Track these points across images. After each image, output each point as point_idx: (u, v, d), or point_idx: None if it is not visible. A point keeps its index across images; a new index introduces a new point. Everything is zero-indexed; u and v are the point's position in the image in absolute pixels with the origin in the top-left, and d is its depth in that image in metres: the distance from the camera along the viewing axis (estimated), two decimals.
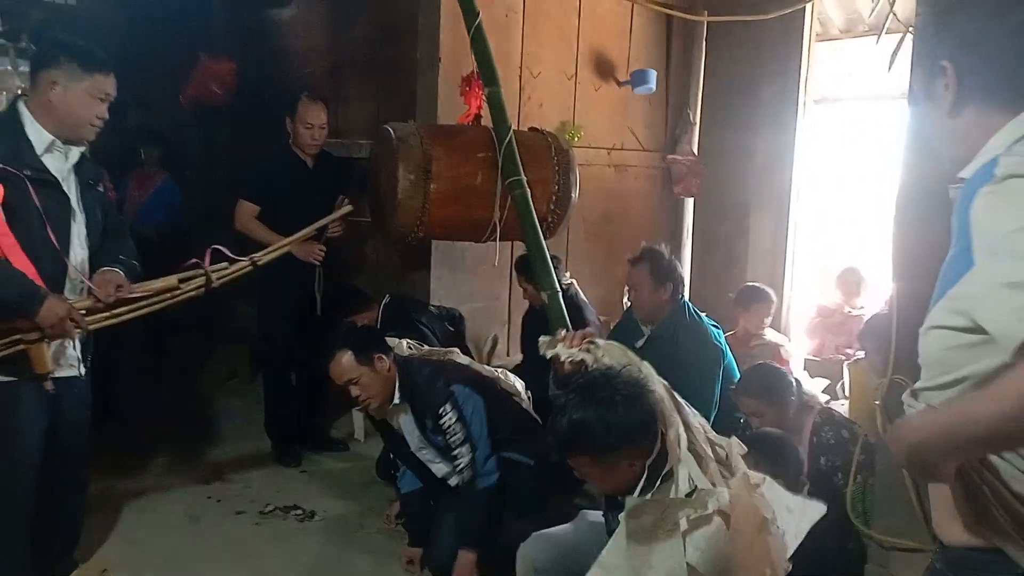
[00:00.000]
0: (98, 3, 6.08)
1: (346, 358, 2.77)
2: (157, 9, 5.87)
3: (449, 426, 2.75)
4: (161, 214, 5.26)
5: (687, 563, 1.72)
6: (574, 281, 3.98)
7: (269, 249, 3.33)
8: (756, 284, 4.36)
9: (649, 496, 1.86)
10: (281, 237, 3.54)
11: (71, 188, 2.54)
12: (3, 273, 2.33)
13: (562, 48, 4.46)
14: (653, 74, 4.55)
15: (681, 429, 1.86)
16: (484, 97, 3.47)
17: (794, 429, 2.78)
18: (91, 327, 2.55)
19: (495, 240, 3.45)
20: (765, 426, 2.78)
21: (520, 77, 4.25)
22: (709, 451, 1.90)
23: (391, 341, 3.03)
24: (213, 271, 2.95)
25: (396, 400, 2.84)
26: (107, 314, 2.60)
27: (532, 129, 3.78)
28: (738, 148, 4.89)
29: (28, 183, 2.37)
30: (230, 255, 2.99)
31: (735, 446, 1.97)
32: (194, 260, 2.90)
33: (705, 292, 4.85)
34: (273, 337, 3.99)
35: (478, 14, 3.41)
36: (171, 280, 2.82)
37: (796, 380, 2.98)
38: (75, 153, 2.54)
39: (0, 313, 2.36)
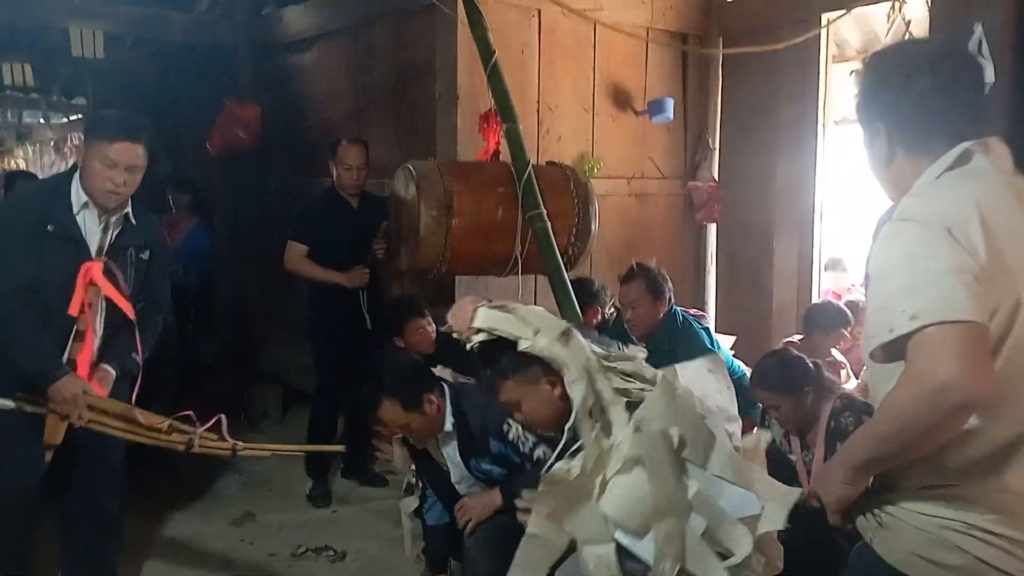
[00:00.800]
0: (127, 57, 6.27)
1: (393, 409, 2.63)
2: (184, 60, 6.04)
3: (517, 437, 2.62)
4: (192, 259, 5.36)
5: (605, 515, 1.88)
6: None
7: (253, 447, 2.92)
8: (834, 303, 3.97)
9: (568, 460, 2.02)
10: (328, 272, 3.86)
11: (101, 250, 2.58)
12: (30, 342, 2.44)
13: (579, 81, 4.50)
14: (670, 102, 4.57)
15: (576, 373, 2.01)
16: (502, 133, 3.51)
17: (812, 417, 2.70)
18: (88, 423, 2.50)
19: (517, 273, 3.46)
20: (784, 418, 2.72)
21: (538, 111, 4.29)
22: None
23: (438, 371, 2.93)
24: (202, 437, 2.67)
25: (447, 428, 2.71)
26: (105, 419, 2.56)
27: (550, 163, 3.81)
28: (759, 172, 4.87)
29: (50, 239, 2.47)
30: (224, 433, 2.70)
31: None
32: (188, 413, 2.70)
33: (732, 317, 4.82)
34: (328, 368, 4.07)
35: (494, 52, 3.47)
36: (162, 423, 2.64)
37: (815, 364, 2.81)
38: (116, 218, 2.60)
39: (21, 379, 2.45)
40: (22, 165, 10.12)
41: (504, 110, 3.46)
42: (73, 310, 2.49)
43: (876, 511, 1.41)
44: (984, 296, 1.24)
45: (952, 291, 1.22)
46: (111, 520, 2.86)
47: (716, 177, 4.87)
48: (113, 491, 2.82)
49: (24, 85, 6.87)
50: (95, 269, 2.53)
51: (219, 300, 6.02)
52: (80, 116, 9.03)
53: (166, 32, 5.58)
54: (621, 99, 4.67)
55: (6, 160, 10.80)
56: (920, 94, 1.39)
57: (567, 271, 3.34)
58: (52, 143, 10.64)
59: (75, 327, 2.54)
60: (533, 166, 3.42)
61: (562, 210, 3.46)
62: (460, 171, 3.49)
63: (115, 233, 2.61)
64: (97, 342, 2.62)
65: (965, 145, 1.39)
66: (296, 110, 5.37)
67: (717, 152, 4.90)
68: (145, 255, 2.69)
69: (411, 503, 3.10)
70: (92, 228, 2.57)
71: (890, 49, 1.56)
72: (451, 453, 2.78)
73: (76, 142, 10.18)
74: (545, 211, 3.33)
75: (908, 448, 1.28)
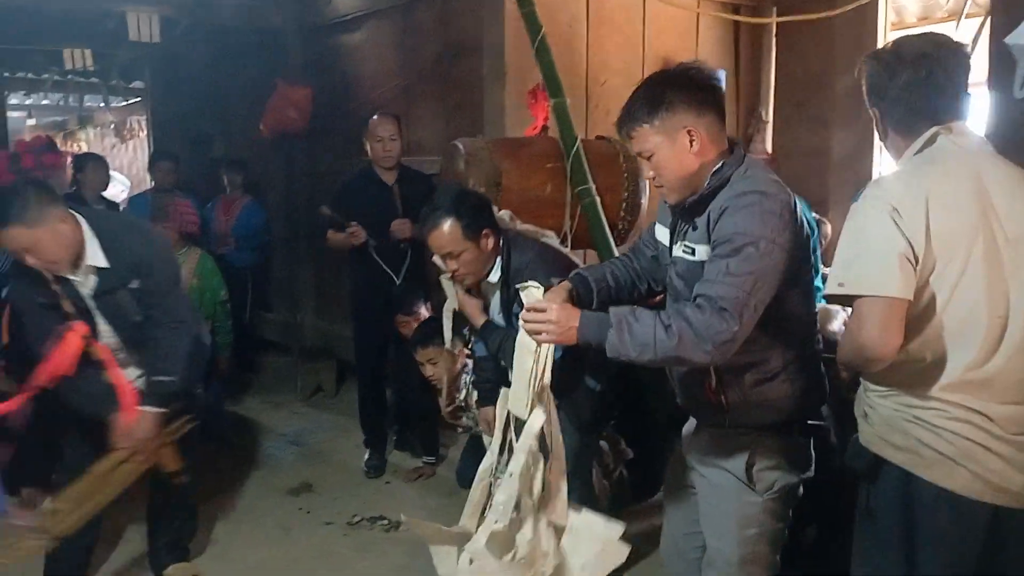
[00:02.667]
0: (181, 41, 6.37)
1: (451, 229, 2.46)
2: (236, 42, 6.13)
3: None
4: (247, 236, 5.49)
5: None
6: None
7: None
8: None
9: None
10: (333, 234, 3.96)
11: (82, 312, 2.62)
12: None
13: (628, 55, 4.45)
14: (722, 75, 4.48)
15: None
16: (550, 108, 3.50)
17: None
18: None
19: (567, 248, 3.46)
20: None
21: (586, 86, 4.27)
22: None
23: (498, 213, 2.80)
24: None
25: (493, 279, 2.60)
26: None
27: (600, 138, 3.79)
28: (814, 145, 4.78)
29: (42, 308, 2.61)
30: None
31: None
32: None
33: None
34: (364, 344, 4.16)
35: (541, 27, 3.45)
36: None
37: None
38: (80, 275, 2.59)
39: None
40: (85, 148, 10.41)
41: (552, 85, 3.45)
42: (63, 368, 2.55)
43: (862, 407, 1.79)
44: (911, 275, 1.57)
45: (881, 269, 1.56)
46: (186, 489, 2.98)
47: (769, 150, 4.79)
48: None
49: (85, 69, 7.04)
50: (75, 330, 2.58)
51: (273, 277, 6.15)
52: (139, 99, 9.25)
53: (218, 16, 5.66)
54: None
55: (70, 143, 11.13)
56: (903, 85, 1.69)
57: (617, 246, 3.33)
58: (112, 126, 10.93)
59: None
60: (582, 141, 3.41)
61: (612, 185, 3.44)
62: (508, 147, 3.49)
63: (91, 283, 2.61)
64: (135, 379, 2.71)
65: (934, 129, 1.68)
66: (345, 90, 5.42)
67: (770, 125, 4.81)
68: (135, 284, 2.64)
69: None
70: (66, 293, 2.59)
71: (885, 46, 1.81)
72: (493, 305, 2.67)
73: (135, 125, 10.46)
74: (594, 186, 3.32)
75: (850, 368, 1.84)
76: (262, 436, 4.65)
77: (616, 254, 3.21)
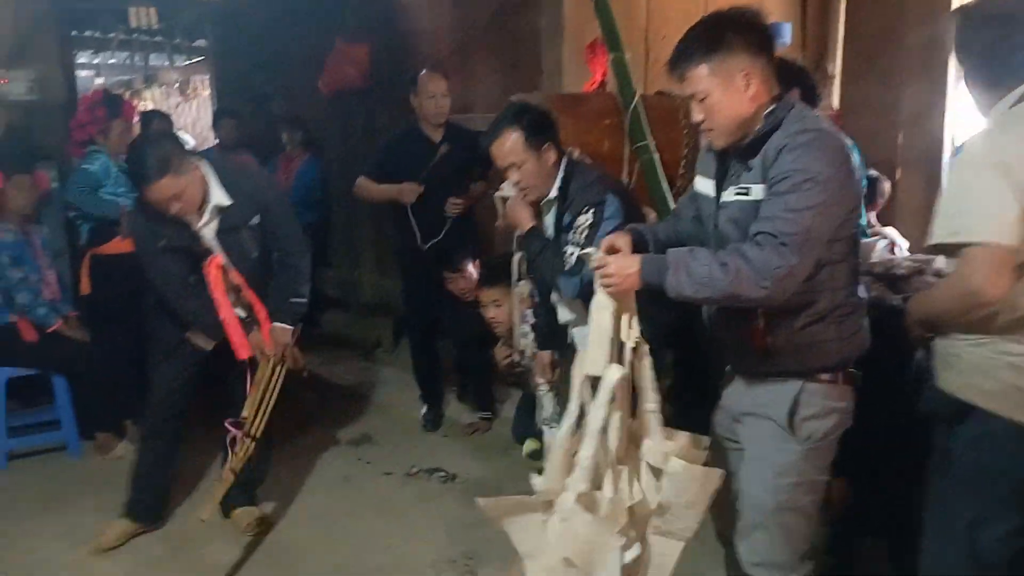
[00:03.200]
0: (243, 0, 6.44)
1: (515, 138, 2.50)
2: (296, 1, 6.17)
3: (580, 226, 2.50)
4: (306, 192, 5.57)
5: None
6: None
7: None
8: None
9: None
10: (383, 188, 3.90)
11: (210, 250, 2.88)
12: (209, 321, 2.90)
13: (689, 7, 4.31)
14: (787, 27, 4.35)
15: None
16: (609, 64, 3.45)
17: None
18: None
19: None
20: None
21: (646, 40, 4.18)
22: None
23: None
24: None
25: (552, 195, 2.60)
26: None
27: (659, 93, 3.72)
28: (883, 101, 4.61)
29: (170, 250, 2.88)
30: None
31: None
32: None
33: None
34: (413, 300, 4.17)
35: None
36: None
37: None
38: (207, 214, 2.84)
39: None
40: (150, 106, 10.65)
41: (611, 40, 3.40)
42: (219, 297, 2.84)
43: (942, 354, 1.84)
44: (1019, 223, 1.62)
45: (992, 218, 1.63)
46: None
47: (836, 106, 4.65)
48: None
49: (150, 28, 7.18)
50: (213, 264, 2.84)
51: (332, 234, 6.25)
52: (202, 58, 9.39)
53: None
54: None
55: (136, 101, 11.39)
56: (988, 42, 1.77)
57: (675, 203, 3.29)
58: (177, 84, 11.13)
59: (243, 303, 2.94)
60: (641, 96, 3.36)
61: (672, 141, 3.40)
62: (565, 104, 3.45)
63: (214, 223, 2.85)
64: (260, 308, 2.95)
65: None
66: (402, 47, 5.42)
67: (837, 79, 4.66)
68: (255, 221, 2.90)
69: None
70: (190, 229, 2.83)
71: (972, 4, 1.87)
72: (548, 221, 2.67)
73: (198, 84, 10.64)
74: (654, 142, 3.28)
75: (946, 317, 1.81)
76: (323, 389, 4.79)
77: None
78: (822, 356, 1.89)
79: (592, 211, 2.47)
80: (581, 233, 2.47)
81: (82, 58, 9.32)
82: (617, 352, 1.89)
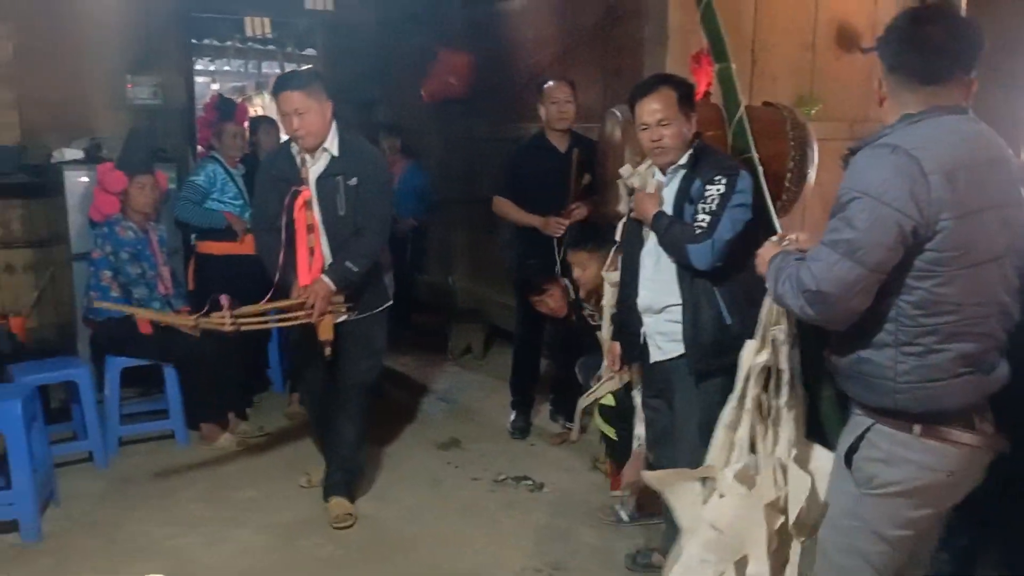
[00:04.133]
0: (352, 9, 6.64)
1: (668, 94, 2.61)
2: (402, 10, 6.33)
3: (711, 195, 2.51)
4: (406, 198, 5.68)
5: None
6: None
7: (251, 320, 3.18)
8: None
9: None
10: (527, 215, 3.95)
11: (305, 181, 3.14)
12: (273, 260, 3.16)
13: (799, 17, 4.23)
14: None
15: None
16: (714, 74, 3.38)
17: None
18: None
19: None
20: None
21: (752, 50, 4.09)
22: None
23: None
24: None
25: (683, 161, 2.65)
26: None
27: (766, 103, 3.62)
28: (1005, 115, 4.36)
29: (275, 180, 3.19)
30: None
31: None
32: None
33: None
34: (527, 315, 4.11)
35: None
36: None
37: None
38: (317, 154, 3.15)
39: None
40: (261, 112, 11.08)
41: (717, 50, 3.31)
42: (297, 226, 3.10)
43: None
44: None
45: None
46: (365, 399, 3.40)
47: None
48: (373, 369, 3.41)
49: (264, 37, 7.50)
50: (302, 195, 3.11)
51: (428, 240, 6.36)
52: (311, 66, 9.73)
53: None
54: (846, 35, 4.34)
55: (248, 107, 11.89)
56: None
57: (779, 217, 3.19)
58: None
59: (308, 245, 3.12)
60: (747, 107, 3.27)
61: (777, 153, 3.28)
62: None
63: (320, 166, 3.14)
64: (325, 256, 3.16)
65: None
66: (503, 56, 5.47)
67: None
68: (352, 182, 3.13)
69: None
70: (300, 166, 3.14)
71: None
72: (668, 193, 2.68)
73: None
74: (757, 155, 3.18)
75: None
76: (414, 392, 4.87)
77: (778, 227, 3.08)
78: (878, 394, 1.71)
79: (725, 180, 2.51)
80: (712, 201, 2.49)
81: (199, 65, 9.80)
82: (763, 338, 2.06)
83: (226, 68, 10.71)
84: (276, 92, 3.10)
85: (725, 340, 2.46)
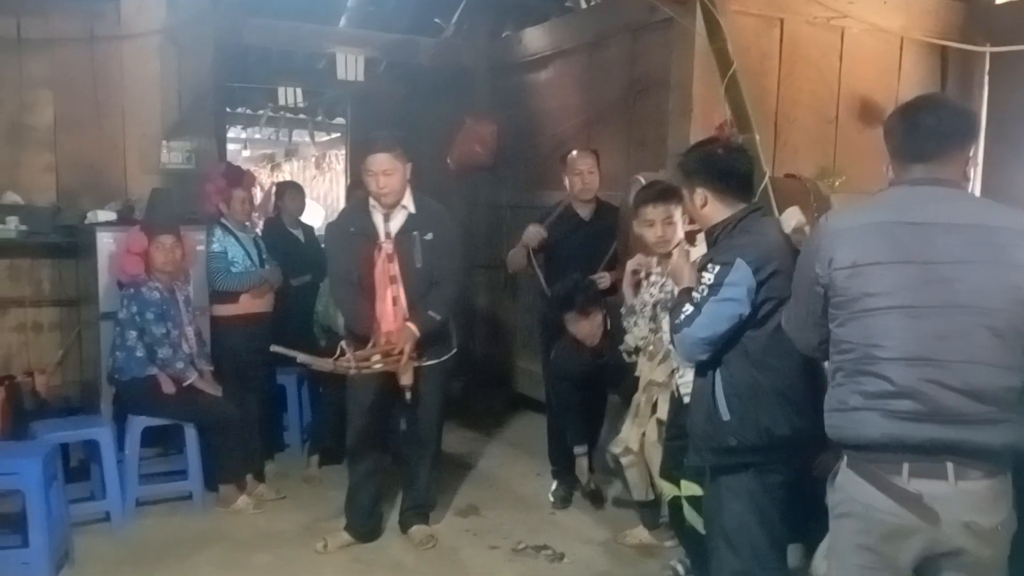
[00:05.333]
0: (381, 80, 6.84)
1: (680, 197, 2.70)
2: (429, 81, 6.50)
3: (702, 282, 2.29)
4: None
5: None
6: None
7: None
8: None
9: None
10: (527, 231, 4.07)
11: (388, 235, 3.35)
12: (352, 309, 3.45)
13: (821, 91, 4.30)
14: None
15: None
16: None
17: None
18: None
19: None
20: None
21: (775, 123, 4.16)
22: None
23: None
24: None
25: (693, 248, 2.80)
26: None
27: (789, 175, 3.67)
28: None
29: (353, 236, 3.40)
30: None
31: None
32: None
33: None
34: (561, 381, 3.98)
35: (733, 63, 3.41)
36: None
37: None
38: (396, 211, 3.37)
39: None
40: (288, 177, 11.33)
41: (741, 121, 3.39)
42: (377, 281, 3.32)
43: None
44: None
45: None
46: (438, 442, 3.73)
47: (978, 193, 4.43)
48: (443, 414, 3.71)
49: (295, 106, 7.72)
50: (384, 250, 3.32)
51: None
52: (339, 135, 9.98)
53: (415, 56, 6.05)
54: (867, 109, 4.40)
55: (275, 174, 12.18)
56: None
57: None
58: (314, 159, 11.85)
59: (392, 295, 3.33)
60: (770, 178, 3.31)
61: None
62: None
63: (398, 222, 3.36)
64: (403, 305, 3.34)
65: None
66: (528, 126, 5.59)
67: (980, 166, 4.45)
68: (428, 236, 3.37)
69: None
70: (379, 222, 3.36)
71: None
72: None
73: (332, 158, 11.27)
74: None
75: None
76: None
77: None
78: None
79: (716, 270, 2.26)
80: (701, 290, 2.28)
81: (231, 132, 10.09)
82: None
83: (256, 136, 11.02)
84: (369, 152, 3.32)
85: (717, 435, 2.32)
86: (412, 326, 3.30)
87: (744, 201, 2.37)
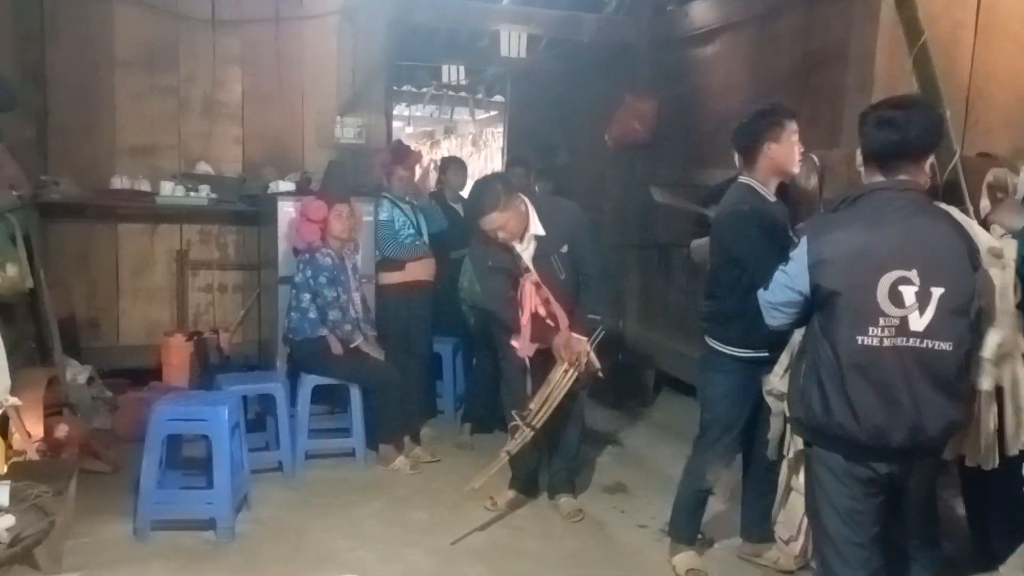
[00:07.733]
0: (541, 58, 6.86)
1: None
2: (590, 57, 6.47)
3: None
4: None
5: None
6: None
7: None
8: None
9: None
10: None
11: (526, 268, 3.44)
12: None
13: (1021, 67, 3.91)
14: None
15: None
16: None
17: None
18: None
19: None
20: None
21: (967, 99, 3.83)
22: None
23: None
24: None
25: None
26: None
27: (982, 155, 3.38)
28: None
29: (496, 271, 3.53)
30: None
31: None
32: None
33: None
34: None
35: (923, 33, 3.17)
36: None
37: None
38: (526, 241, 3.42)
39: None
40: (446, 154, 11.64)
41: (932, 96, 3.15)
42: (531, 308, 3.45)
43: None
44: None
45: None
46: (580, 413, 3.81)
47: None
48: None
49: (457, 84, 7.89)
50: (529, 280, 3.43)
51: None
52: (496, 112, 10.14)
53: (578, 32, 6.03)
54: None
55: (435, 150, 12.55)
56: None
57: None
58: (471, 136, 12.11)
59: (551, 312, 3.46)
60: (960, 157, 3.07)
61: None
62: None
63: (531, 249, 3.41)
64: (563, 317, 3.46)
65: None
66: (690, 102, 5.45)
67: None
68: (564, 249, 3.43)
69: None
70: (514, 254, 3.42)
71: None
72: None
73: (489, 136, 11.47)
74: (972, 208, 2.97)
75: None
76: (585, 435, 4.82)
77: None
78: None
79: (795, 242, 2.31)
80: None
81: (395, 110, 10.49)
82: None
83: (418, 113, 11.38)
84: (477, 218, 3.36)
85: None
86: (577, 336, 3.41)
87: (885, 175, 2.19)
